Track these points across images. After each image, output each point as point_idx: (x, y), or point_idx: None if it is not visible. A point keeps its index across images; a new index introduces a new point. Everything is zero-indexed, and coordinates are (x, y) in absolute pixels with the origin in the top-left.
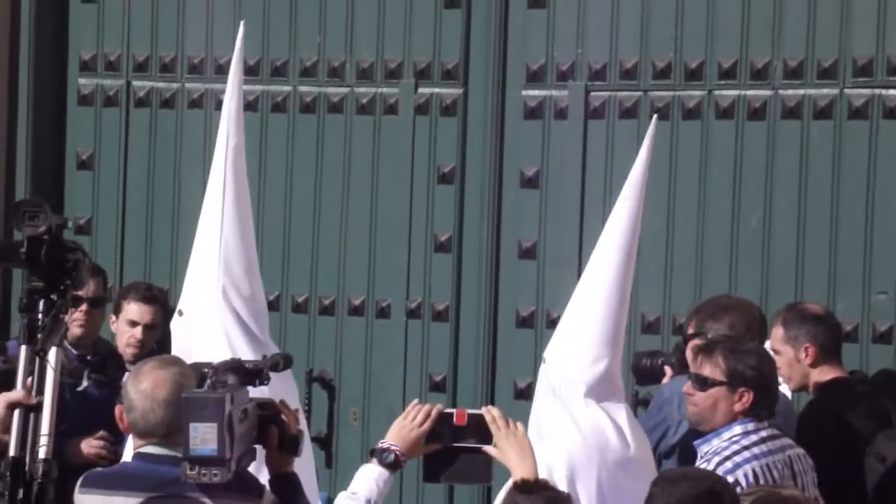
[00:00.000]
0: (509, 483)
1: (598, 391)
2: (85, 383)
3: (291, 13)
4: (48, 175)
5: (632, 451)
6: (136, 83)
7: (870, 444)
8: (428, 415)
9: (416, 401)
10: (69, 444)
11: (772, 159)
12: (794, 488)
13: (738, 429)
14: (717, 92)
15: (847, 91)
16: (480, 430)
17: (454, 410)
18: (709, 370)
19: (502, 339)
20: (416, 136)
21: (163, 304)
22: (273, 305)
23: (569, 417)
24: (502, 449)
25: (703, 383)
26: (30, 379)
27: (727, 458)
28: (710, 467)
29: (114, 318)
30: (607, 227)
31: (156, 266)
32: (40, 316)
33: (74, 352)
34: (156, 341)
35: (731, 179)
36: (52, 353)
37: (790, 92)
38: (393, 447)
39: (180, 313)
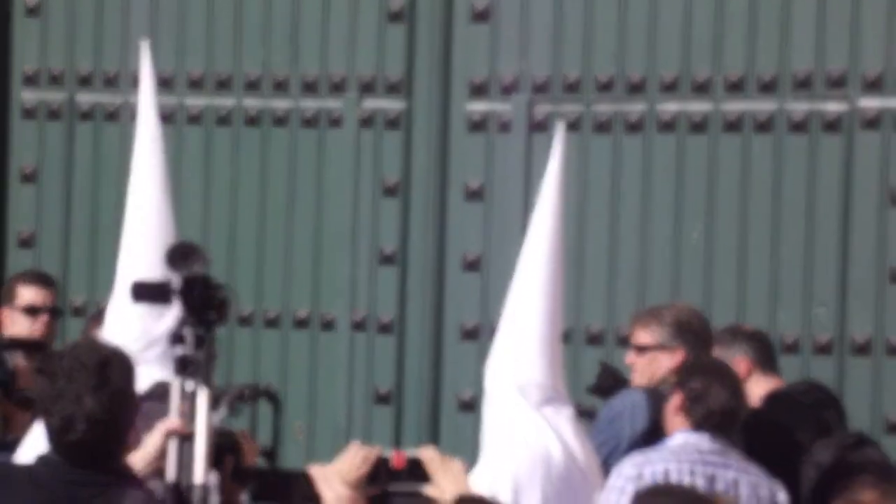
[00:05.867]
0: None
1: (540, 400)
2: None
3: (235, 27)
4: None
5: (577, 463)
6: (80, 97)
7: (807, 454)
8: (367, 457)
9: (356, 442)
10: None
11: (713, 172)
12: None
13: (679, 437)
14: (659, 106)
15: (787, 105)
16: (417, 472)
17: (392, 454)
18: None
19: (447, 352)
20: (360, 149)
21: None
22: None
23: (514, 429)
24: (439, 486)
25: None
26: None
27: (645, 453)
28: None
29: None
30: (529, 240)
31: (100, 280)
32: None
33: None
34: None
35: (673, 192)
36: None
37: (731, 106)
38: None
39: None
